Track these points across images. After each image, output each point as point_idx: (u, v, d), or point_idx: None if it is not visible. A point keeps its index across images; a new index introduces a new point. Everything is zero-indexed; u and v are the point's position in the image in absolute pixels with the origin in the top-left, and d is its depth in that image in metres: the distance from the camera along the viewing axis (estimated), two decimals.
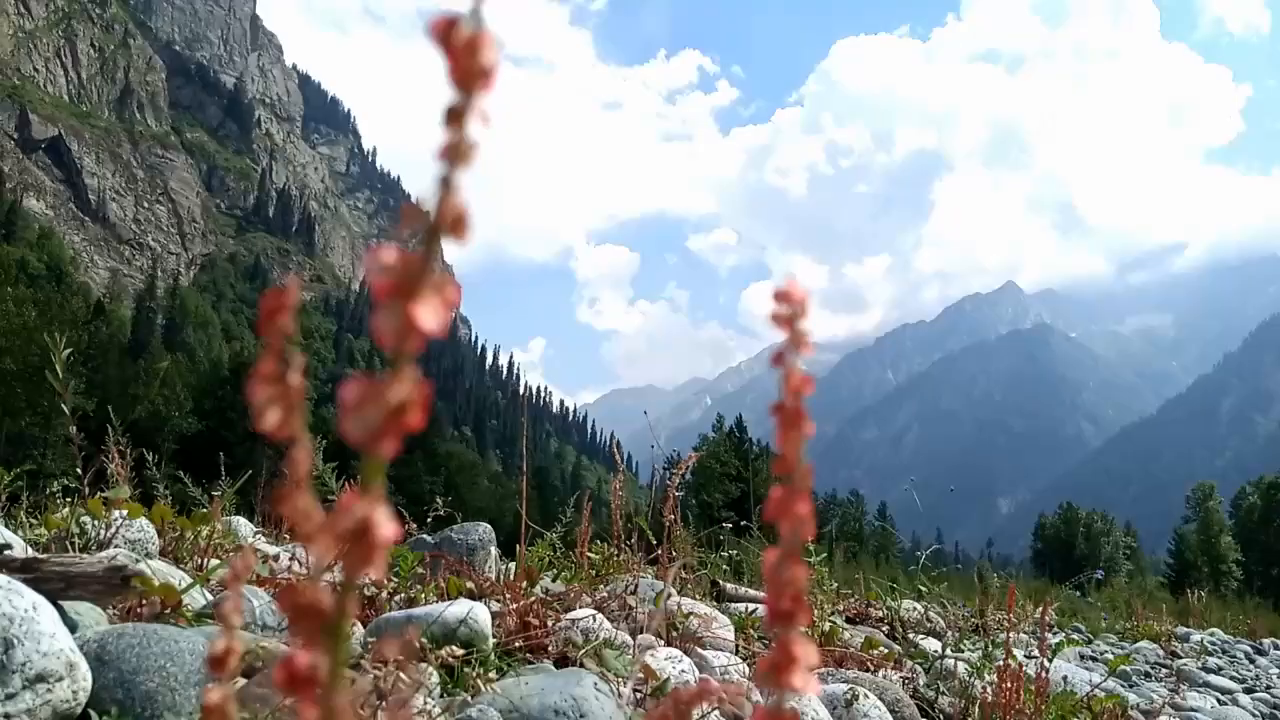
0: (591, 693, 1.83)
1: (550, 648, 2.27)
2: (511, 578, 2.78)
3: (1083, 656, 6.13)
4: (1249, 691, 5.58)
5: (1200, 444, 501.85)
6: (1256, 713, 4.70)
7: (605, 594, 2.84)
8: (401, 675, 1.76)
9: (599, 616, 2.45)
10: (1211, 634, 8.98)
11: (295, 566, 2.72)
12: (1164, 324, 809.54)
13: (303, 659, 0.38)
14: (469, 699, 1.83)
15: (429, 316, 0.36)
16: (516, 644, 2.26)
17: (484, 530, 3.43)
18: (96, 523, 2.57)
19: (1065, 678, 3.02)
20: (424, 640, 2.01)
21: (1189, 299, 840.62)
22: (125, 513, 2.63)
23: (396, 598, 2.49)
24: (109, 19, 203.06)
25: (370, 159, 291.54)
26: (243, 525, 3.79)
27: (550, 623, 2.36)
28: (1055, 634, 6.95)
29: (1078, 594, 13.53)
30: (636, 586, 2.83)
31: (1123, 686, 4.59)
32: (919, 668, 3.01)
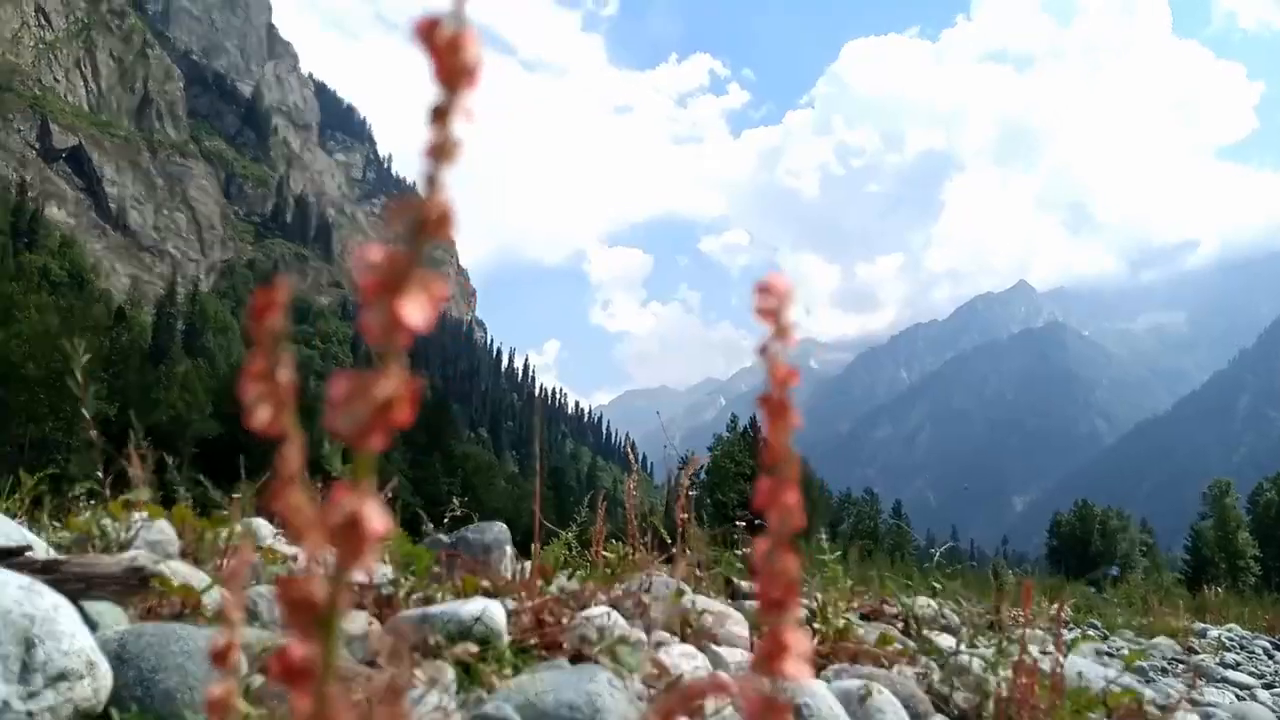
0: (606, 689, 1.83)
1: (565, 645, 2.27)
2: (527, 576, 2.79)
3: (1099, 653, 6.06)
4: (1268, 687, 5.50)
5: (1215, 440, 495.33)
6: (1275, 708, 4.63)
7: (620, 592, 2.84)
8: (416, 672, 1.78)
9: (613, 614, 2.45)
10: (1229, 630, 8.84)
11: (314, 567, 2.74)
12: (1177, 321, 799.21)
13: (297, 651, 0.38)
14: (484, 695, 1.84)
15: (415, 313, 0.37)
16: (532, 641, 2.27)
17: (499, 529, 3.45)
18: (117, 525, 2.60)
19: (1080, 673, 2.99)
20: (440, 637, 2.02)
21: (1201, 296, 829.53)
22: (146, 515, 2.67)
23: (414, 596, 2.51)
24: (128, 30, 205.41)
25: (386, 165, 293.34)
26: (263, 526, 3.82)
27: (565, 620, 2.37)
28: (1071, 630, 6.88)
29: (1094, 590, 13.40)
30: (651, 584, 2.83)
31: (1139, 682, 4.54)
32: (933, 664, 2.99)
